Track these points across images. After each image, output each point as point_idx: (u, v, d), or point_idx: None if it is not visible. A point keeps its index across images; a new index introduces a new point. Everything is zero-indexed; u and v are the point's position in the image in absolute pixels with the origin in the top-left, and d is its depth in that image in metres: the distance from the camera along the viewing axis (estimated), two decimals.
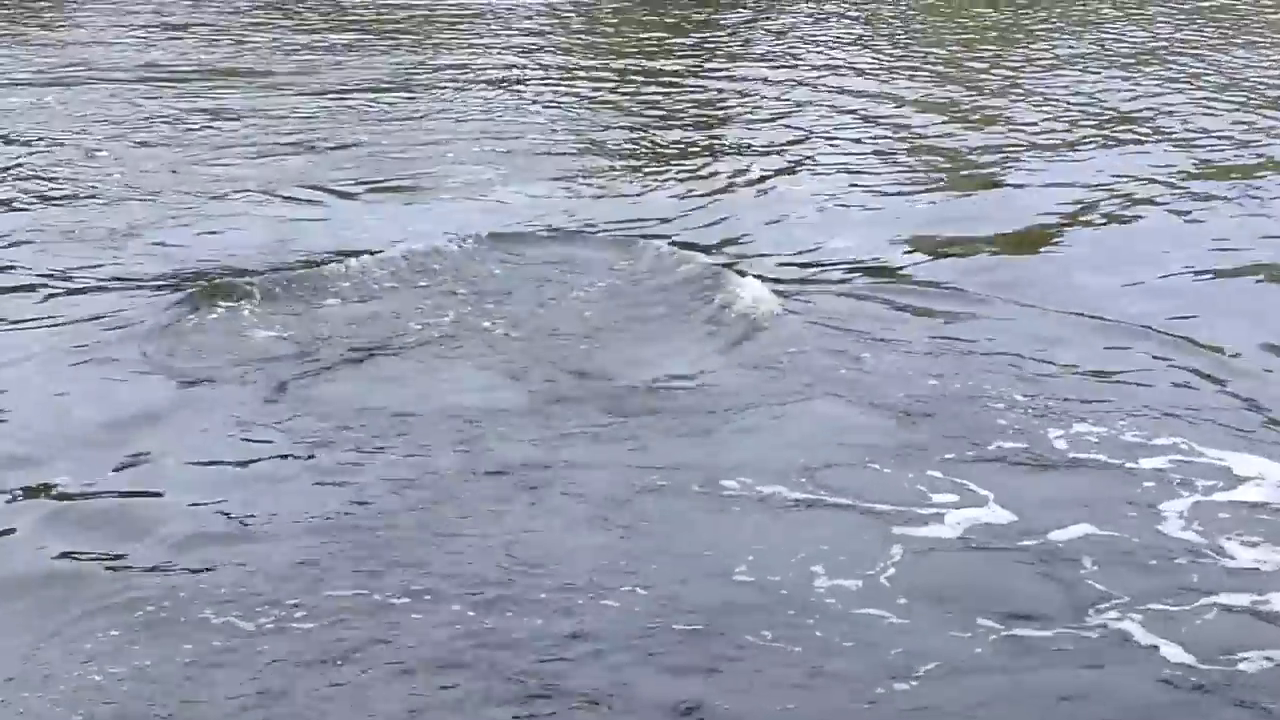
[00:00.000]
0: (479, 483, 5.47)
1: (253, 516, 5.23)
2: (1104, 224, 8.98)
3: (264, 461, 5.69)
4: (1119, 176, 9.87)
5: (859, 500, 5.44)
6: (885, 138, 10.94)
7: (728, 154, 10.33)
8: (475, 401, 6.25)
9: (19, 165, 9.68)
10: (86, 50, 13.25)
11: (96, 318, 7.08)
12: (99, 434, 5.86)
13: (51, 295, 7.37)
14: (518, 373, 6.60)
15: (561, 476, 5.60)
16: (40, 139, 10.22)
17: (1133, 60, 13.30)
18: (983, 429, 6.06)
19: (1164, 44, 14.08)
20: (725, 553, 5.05)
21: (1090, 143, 10.78)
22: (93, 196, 9.07)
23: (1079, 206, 9.27)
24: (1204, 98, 11.87)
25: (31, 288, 7.51)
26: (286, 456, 5.74)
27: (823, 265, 8.33)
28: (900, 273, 8.25)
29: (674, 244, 8.48)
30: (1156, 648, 4.47)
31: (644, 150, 10.37)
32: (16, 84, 11.70)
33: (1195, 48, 13.88)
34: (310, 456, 5.71)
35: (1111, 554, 5.02)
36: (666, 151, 10.37)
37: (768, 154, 10.39)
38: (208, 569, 4.86)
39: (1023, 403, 6.36)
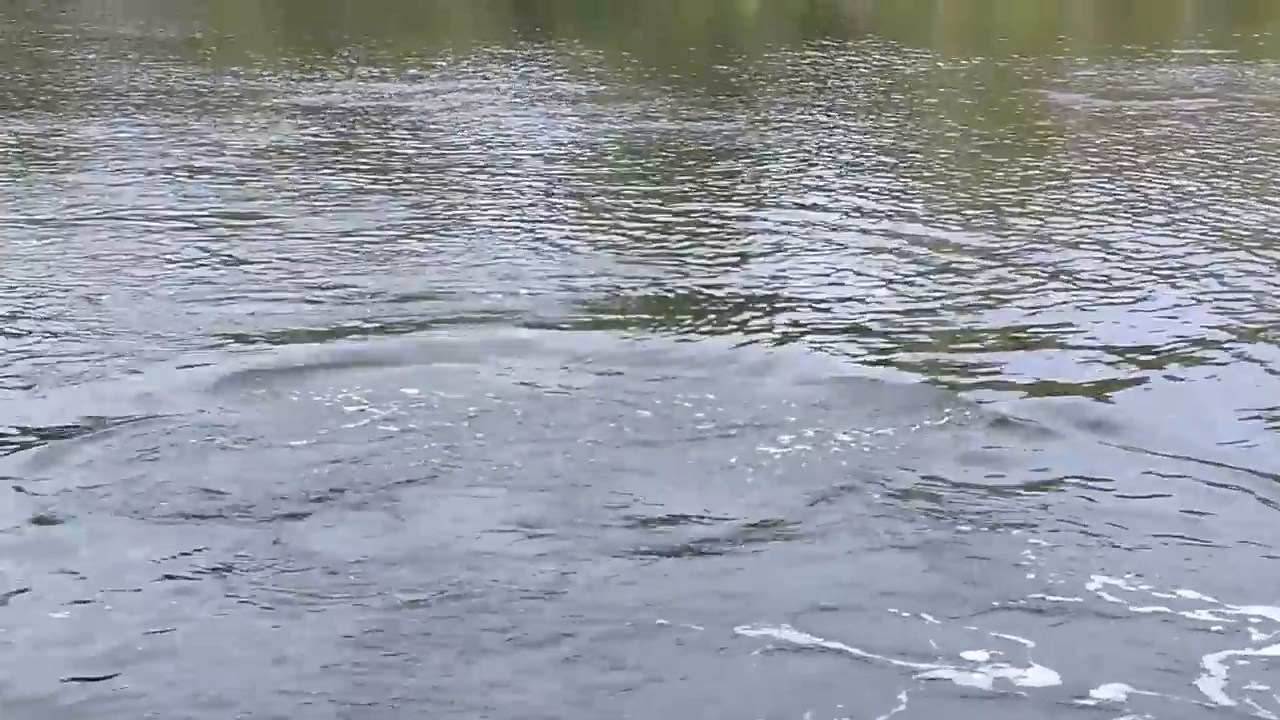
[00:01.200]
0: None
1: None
2: (1160, 366, 8.78)
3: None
4: (1172, 321, 9.69)
5: (879, 648, 5.30)
6: (921, 280, 10.68)
7: (759, 303, 10.05)
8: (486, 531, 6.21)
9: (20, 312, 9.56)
10: (94, 193, 13.20)
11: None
12: None
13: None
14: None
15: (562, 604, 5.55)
16: (40, 284, 10.08)
17: (1167, 208, 13.18)
18: (1020, 570, 5.99)
19: (1200, 193, 13.86)
20: (728, 708, 4.92)
21: (1137, 289, 10.51)
22: (83, 340, 8.96)
23: (1135, 349, 9.04)
24: (1245, 251, 11.61)
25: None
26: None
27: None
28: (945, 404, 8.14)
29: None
30: None
31: (672, 297, 10.14)
32: (22, 226, 11.63)
33: (1232, 197, 13.68)
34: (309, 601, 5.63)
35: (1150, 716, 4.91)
36: (695, 298, 10.15)
37: (802, 300, 10.14)
38: None
39: (1063, 541, 6.27)
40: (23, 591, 5.68)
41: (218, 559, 5.94)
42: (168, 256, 10.96)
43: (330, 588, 5.70)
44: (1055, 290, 10.42)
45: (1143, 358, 8.94)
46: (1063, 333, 9.40)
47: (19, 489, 6.66)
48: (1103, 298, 10.26)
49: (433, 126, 17.78)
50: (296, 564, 5.90)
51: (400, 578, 5.77)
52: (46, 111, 18.69)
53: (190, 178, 14.10)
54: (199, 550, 6.01)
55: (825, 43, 30.09)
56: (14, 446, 7.16)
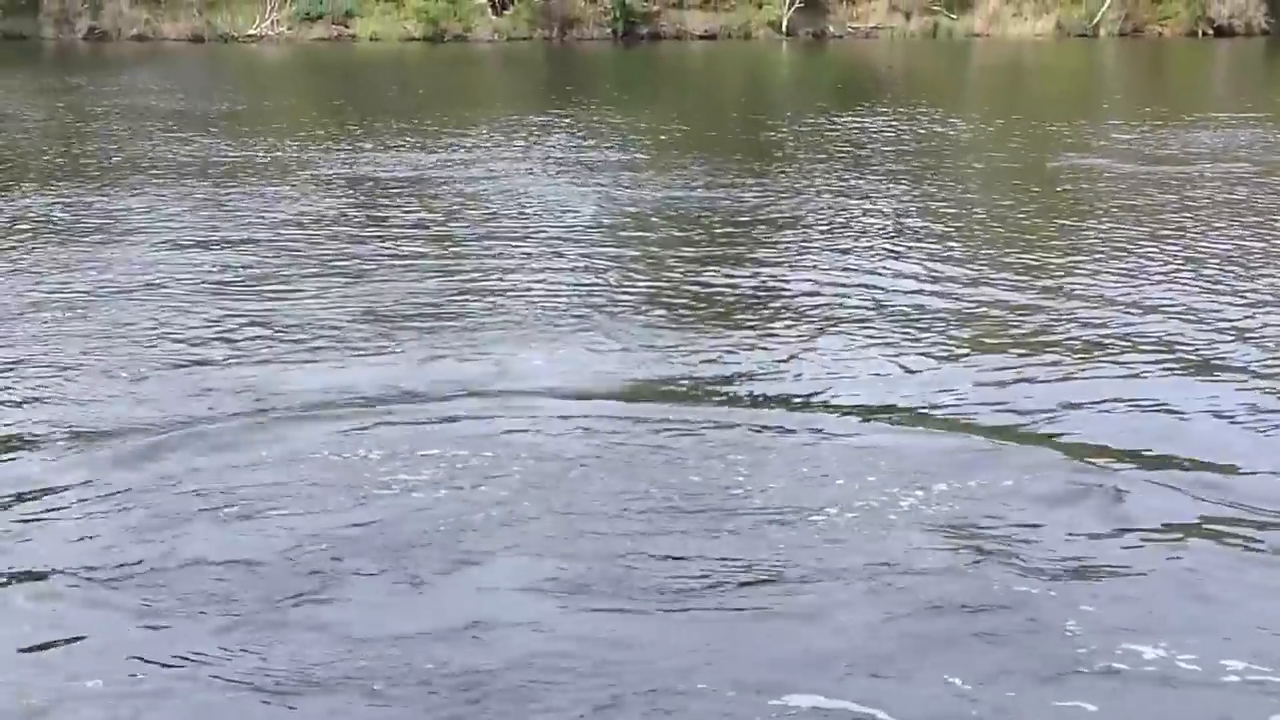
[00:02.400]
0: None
1: None
2: (1229, 423, 8.63)
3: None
4: (1239, 381, 9.47)
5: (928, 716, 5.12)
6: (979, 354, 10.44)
7: (800, 367, 9.84)
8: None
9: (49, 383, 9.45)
10: (129, 264, 13.18)
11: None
12: None
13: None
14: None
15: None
16: (74, 357, 9.96)
17: (1219, 270, 13.00)
18: (1063, 637, 5.76)
19: (1249, 255, 13.68)
20: None
21: (1200, 352, 10.28)
22: (110, 404, 8.87)
23: (1203, 411, 8.86)
24: None
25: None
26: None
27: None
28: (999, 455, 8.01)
29: None
30: None
31: (713, 362, 9.91)
32: (57, 299, 11.51)
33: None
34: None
35: None
36: (734, 363, 9.95)
37: (844, 362, 9.96)
38: None
39: (1130, 602, 6.06)
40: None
41: (224, 632, 5.79)
42: (200, 325, 10.88)
43: (347, 664, 5.54)
44: (1112, 350, 10.25)
45: (1210, 418, 8.75)
46: (1123, 392, 9.21)
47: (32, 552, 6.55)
48: (1164, 360, 10.07)
49: (468, 196, 17.76)
50: (311, 638, 5.74)
51: (427, 651, 5.61)
52: (87, 183, 18.77)
53: (223, 248, 14.07)
54: (203, 619, 5.87)
55: (861, 105, 30.13)
56: (47, 511, 7.04)
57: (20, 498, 7.24)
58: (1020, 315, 11.24)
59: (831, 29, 74.12)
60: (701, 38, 71.83)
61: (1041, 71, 50.70)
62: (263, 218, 15.94)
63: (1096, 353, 10.17)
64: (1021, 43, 67.94)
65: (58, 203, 16.96)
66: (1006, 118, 28.72)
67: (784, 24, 72.98)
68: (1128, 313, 11.31)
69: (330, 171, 20.03)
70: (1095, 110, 30.14)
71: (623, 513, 7.03)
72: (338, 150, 22.67)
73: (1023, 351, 10.14)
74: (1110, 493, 7.32)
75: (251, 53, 59.98)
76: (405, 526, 6.85)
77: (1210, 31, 71.55)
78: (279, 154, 22.31)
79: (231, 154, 22.20)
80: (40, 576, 6.34)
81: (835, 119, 27.89)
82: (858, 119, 27.71)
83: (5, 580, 6.32)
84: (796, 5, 73.10)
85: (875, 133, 25.30)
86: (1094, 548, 6.63)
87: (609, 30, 71.91)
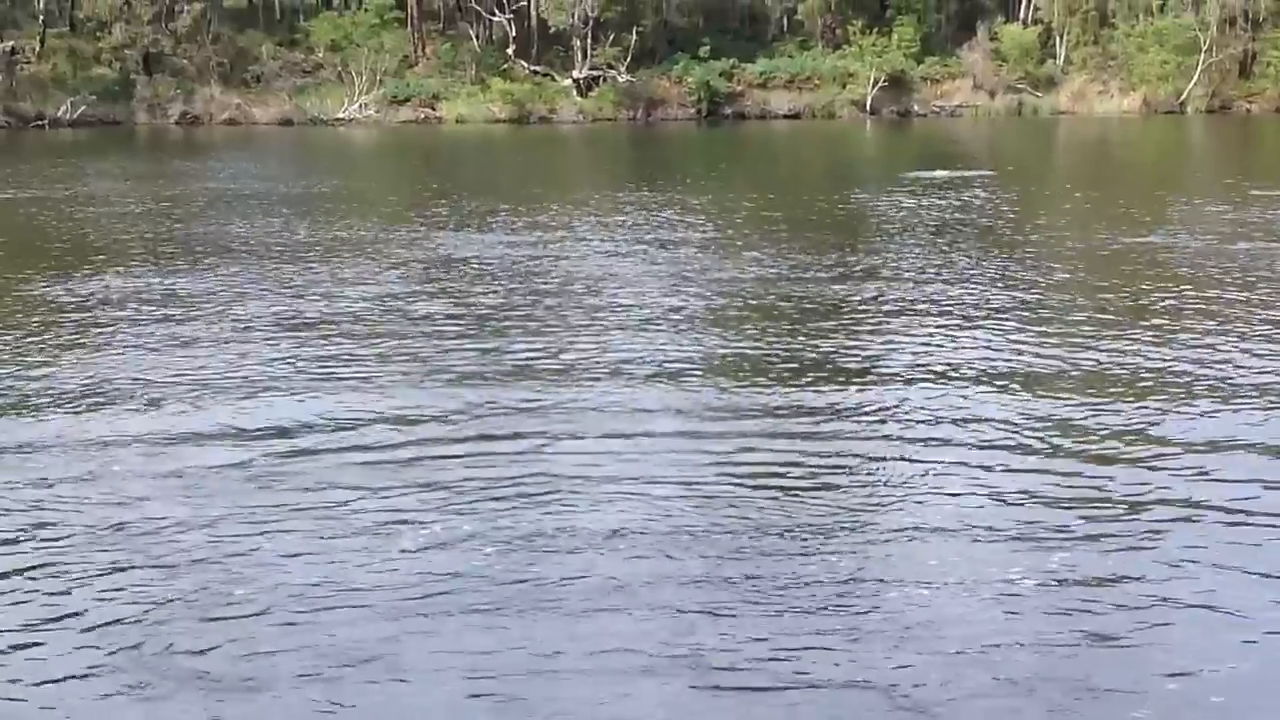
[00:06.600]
0: None
1: None
2: None
3: None
4: None
5: None
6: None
7: (892, 445, 9.66)
8: None
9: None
10: (212, 350, 13.20)
11: None
12: None
13: None
14: None
15: None
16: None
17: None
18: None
19: None
20: None
21: None
22: (191, 493, 8.83)
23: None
24: None
25: None
26: None
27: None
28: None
29: None
30: None
31: (789, 445, 9.71)
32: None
33: None
34: None
35: None
36: (819, 443, 9.77)
37: (938, 440, 9.76)
38: None
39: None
40: None
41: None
42: (280, 409, 10.88)
43: None
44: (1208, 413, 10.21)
45: None
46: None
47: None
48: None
49: (540, 275, 17.76)
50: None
51: None
52: (168, 264, 19.00)
53: (299, 330, 14.13)
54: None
55: (942, 182, 30.01)
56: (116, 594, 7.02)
57: None
58: (1107, 389, 11.02)
59: (916, 107, 74.14)
60: (785, 117, 72.13)
61: (1127, 147, 50.30)
62: (336, 296, 16.05)
63: (1190, 412, 9.99)
64: (1107, 120, 67.53)
65: (138, 284, 17.16)
66: (1093, 191, 28.48)
67: (868, 103, 73.13)
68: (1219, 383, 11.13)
69: (408, 253, 20.14)
70: (1181, 186, 29.77)
71: (689, 586, 6.95)
72: (417, 231, 22.83)
73: (1110, 419, 9.95)
74: (1201, 550, 7.15)
75: (340, 135, 60.90)
76: (470, 585, 6.78)
77: None
78: (363, 234, 22.50)
79: (314, 235, 22.41)
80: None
81: (917, 196, 27.78)
82: (941, 197, 27.57)
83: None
84: (881, 84, 73.28)
85: (958, 209, 25.13)
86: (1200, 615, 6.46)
87: (693, 110, 72.41)
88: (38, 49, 69.16)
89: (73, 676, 6.23)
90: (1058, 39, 75.74)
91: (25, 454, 9.59)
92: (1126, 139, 54.81)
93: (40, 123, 64.11)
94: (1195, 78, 71.93)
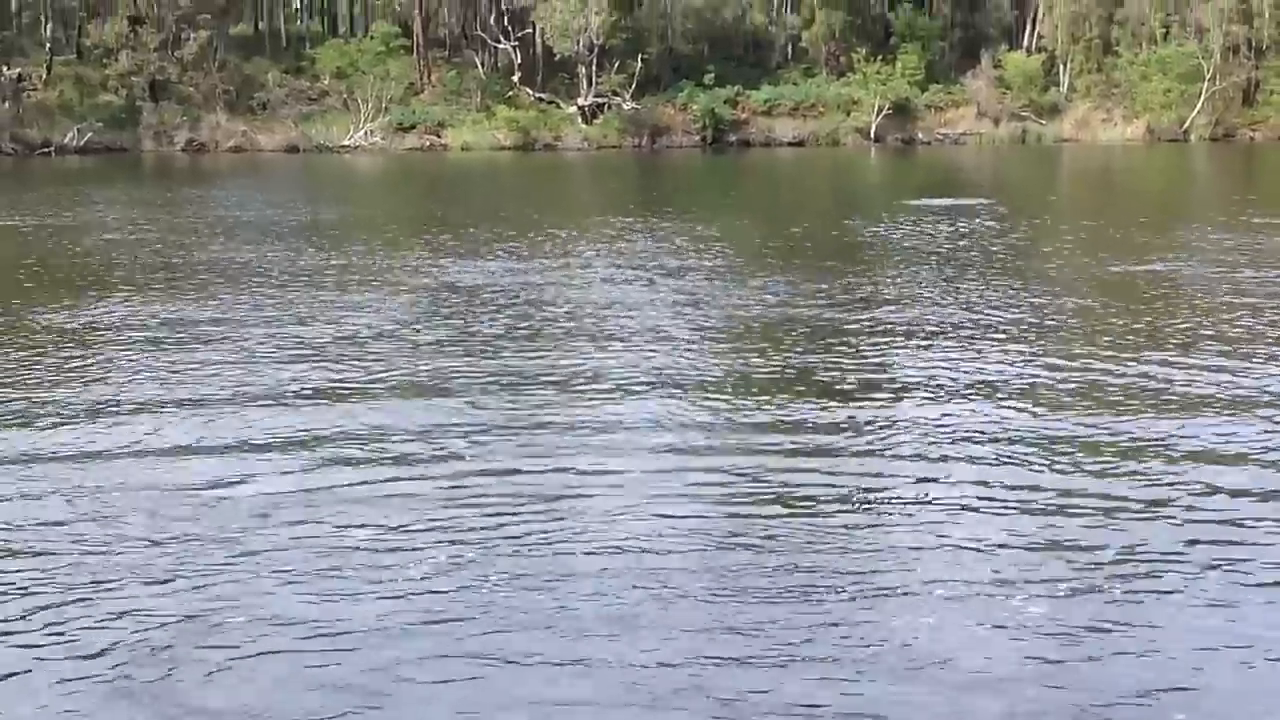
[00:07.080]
0: None
1: None
2: None
3: None
4: None
5: None
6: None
7: (905, 475, 9.55)
8: None
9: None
10: (218, 373, 13.21)
11: None
12: None
13: None
14: None
15: None
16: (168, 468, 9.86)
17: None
18: None
19: None
20: None
21: None
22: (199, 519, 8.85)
23: None
24: None
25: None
26: None
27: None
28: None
29: None
30: None
31: (800, 472, 9.67)
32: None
33: None
34: None
35: None
36: (829, 472, 9.70)
37: (951, 477, 9.58)
38: None
39: None
40: None
41: None
42: (282, 435, 10.84)
43: None
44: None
45: None
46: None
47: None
48: None
49: (545, 302, 17.76)
50: None
51: None
52: (169, 291, 19.01)
53: (303, 356, 14.14)
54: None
55: (946, 209, 30.05)
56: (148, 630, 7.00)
57: None
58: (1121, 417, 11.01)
59: (920, 135, 74.24)
60: (790, 144, 72.23)
61: (1130, 175, 50.34)
62: (343, 323, 16.04)
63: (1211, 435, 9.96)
64: (1111, 147, 67.60)
65: (143, 310, 17.18)
66: (1093, 221, 28.48)
67: (872, 130, 73.24)
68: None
69: (414, 279, 20.14)
70: (1185, 214, 29.77)
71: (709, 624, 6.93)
72: (423, 258, 22.83)
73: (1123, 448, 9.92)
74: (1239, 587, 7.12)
75: (345, 162, 61.00)
76: (485, 615, 6.77)
77: None
78: (368, 261, 22.53)
79: (319, 262, 22.42)
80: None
81: (921, 223, 27.80)
82: (946, 224, 27.59)
83: None
84: (885, 111, 73.39)
85: (963, 236, 25.15)
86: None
87: (698, 137, 72.52)
88: (44, 76, 69.46)
89: (65, 709, 6.19)
90: (1061, 67, 75.86)
91: (24, 477, 9.60)
92: (1130, 166, 54.87)
93: (47, 150, 64.26)
94: (1199, 106, 72.05)
